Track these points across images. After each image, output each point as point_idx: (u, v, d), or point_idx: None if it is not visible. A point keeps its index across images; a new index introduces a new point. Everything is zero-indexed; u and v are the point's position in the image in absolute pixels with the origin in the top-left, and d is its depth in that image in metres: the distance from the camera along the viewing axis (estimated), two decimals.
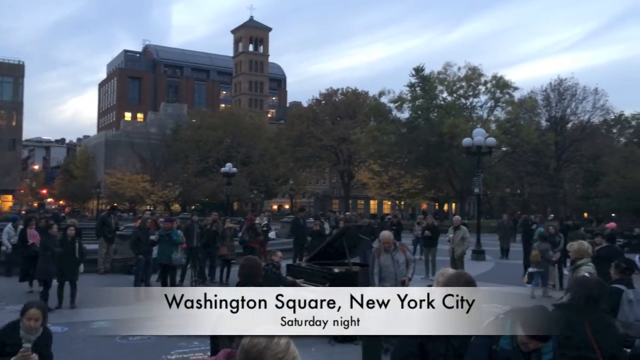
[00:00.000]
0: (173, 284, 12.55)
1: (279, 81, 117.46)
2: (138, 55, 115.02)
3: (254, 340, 1.89)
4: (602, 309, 3.82)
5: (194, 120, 66.65)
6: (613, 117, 57.02)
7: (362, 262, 12.43)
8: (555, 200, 54.69)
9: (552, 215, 31.53)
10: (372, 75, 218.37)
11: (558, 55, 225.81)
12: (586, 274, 5.88)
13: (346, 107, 59.61)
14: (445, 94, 47.77)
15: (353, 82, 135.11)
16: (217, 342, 3.70)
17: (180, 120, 69.65)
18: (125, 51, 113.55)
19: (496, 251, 22.07)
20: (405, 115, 48.70)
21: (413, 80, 47.47)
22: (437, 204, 63.79)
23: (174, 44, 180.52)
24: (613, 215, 54.22)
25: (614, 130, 61.57)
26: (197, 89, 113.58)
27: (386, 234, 8.43)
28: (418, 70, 47.23)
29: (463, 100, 47.79)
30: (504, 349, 3.24)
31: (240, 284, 3.98)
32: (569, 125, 53.27)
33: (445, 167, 45.35)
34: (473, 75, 46.04)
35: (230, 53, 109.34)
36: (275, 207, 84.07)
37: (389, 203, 63.21)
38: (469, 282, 3.16)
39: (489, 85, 46.30)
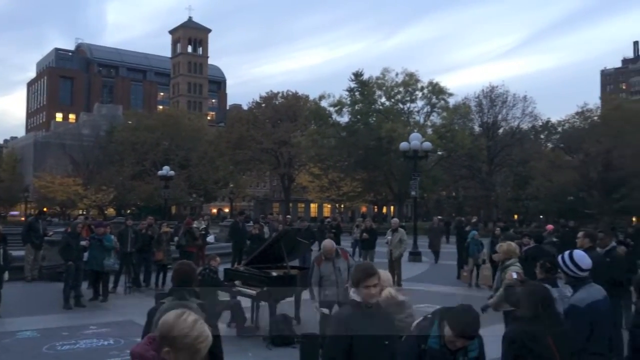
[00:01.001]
0: (105, 291, 12.15)
1: (218, 83, 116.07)
2: (70, 54, 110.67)
3: (165, 318, 2.17)
4: (555, 314, 3.92)
5: (129, 122, 64.78)
6: (541, 124, 59.89)
7: (302, 265, 12.47)
8: (488, 202, 56.81)
9: (476, 218, 32.77)
10: (313, 78, 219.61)
11: (490, 63, 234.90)
12: (514, 274, 6.15)
13: (287, 110, 59.58)
14: (383, 99, 48.67)
15: (294, 86, 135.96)
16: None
17: (115, 122, 67.51)
18: (57, 49, 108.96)
19: (429, 253, 22.58)
20: (345, 119, 49.29)
21: (352, 84, 48.07)
22: (376, 206, 64.79)
23: (109, 43, 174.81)
24: (541, 216, 56.92)
25: (542, 136, 64.67)
26: (134, 89, 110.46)
27: (328, 243, 8.11)
28: (357, 75, 47.88)
29: (401, 105, 48.84)
30: (432, 347, 3.31)
31: (173, 289, 3.89)
32: (500, 130, 55.45)
33: (383, 171, 46.15)
34: (410, 81, 47.16)
35: (168, 54, 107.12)
36: (214, 210, 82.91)
37: (329, 206, 63.67)
38: (366, 271, 3.30)
39: (425, 91, 47.58)
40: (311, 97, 58.06)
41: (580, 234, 7.14)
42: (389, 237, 14.56)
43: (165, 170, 31.51)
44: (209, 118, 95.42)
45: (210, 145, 60.65)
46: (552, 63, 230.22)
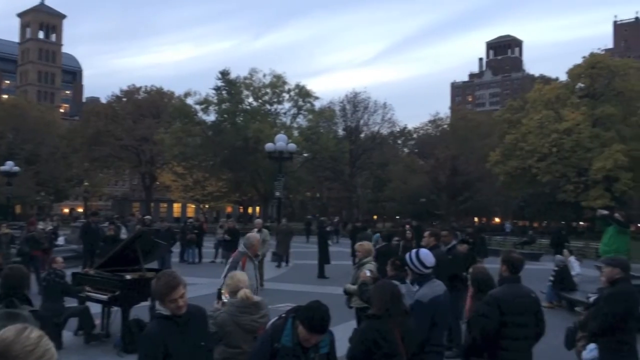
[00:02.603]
0: None
1: (73, 74, 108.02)
2: None
3: (2, 335, 1.81)
4: (404, 310, 4.07)
5: None
6: (398, 130, 63.75)
7: (161, 267, 11.98)
8: (350, 203, 59.22)
9: (338, 218, 34.21)
10: (178, 75, 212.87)
11: (354, 69, 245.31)
12: (367, 272, 6.42)
13: (149, 106, 57.04)
14: (251, 99, 48.63)
15: (159, 81, 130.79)
16: None
17: None
18: None
19: (295, 253, 22.93)
20: (211, 117, 48.43)
21: (219, 83, 47.38)
22: (241, 207, 64.46)
23: None
24: (397, 217, 60.53)
25: (399, 141, 68.89)
26: None
27: (254, 237, 7.17)
28: (224, 74, 47.30)
29: (268, 106, 49.12)
30: (285, 345, 3.35)
31: (1, 296, 3.50)
32: (362, 135, 58.11)
33: (250, 171, 46.06)
34: (278, 82, 47.63)
35: (16, 38, 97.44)
36: (66, 210, 77.15)
37: (193, 206, 62.04)
38: (168, 284, 3.18)
39: (292, 93, 48.37)
40: (176, 94, 56.36)
41: (426, 233, 7.68)
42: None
43: (9, 165, 28.64)
44: (62, 111, 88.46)
45: (62, 140, 56.23)
46: (410, 73, 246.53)
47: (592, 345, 5.44)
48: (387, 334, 3.82)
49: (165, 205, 66.10)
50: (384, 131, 59.65)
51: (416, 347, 4.05)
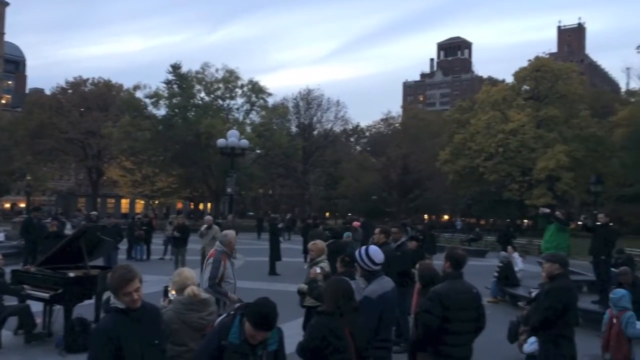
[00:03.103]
0: None
1: (16, 63, 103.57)
2: None
3: None
4: (354, 307, 4.10)
5: None
6: (351, 127, 64.29)
7: (107, 264, 11.67)
8: (302, 200, 59.29)
9: (290, 215, 34.34)
10: (127, 67, 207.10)
11: (308, 66, 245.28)
12: (317, 269, 6.43)
13: (97, 99, 55.33)
14: (203, 94, 48.02)
15: (106, 73, 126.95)
16: None
17: None
18: None
19: (246, 250, 22.82)
20: (161, 112, 47.53)
21: (170, 77, 46.59)
22: (192, 203, 63.53)
23: None
24: (350, 214, 61.03)
25: (352, 139, 69.53)
26: None
27: (231, 234, 7.06)
28: (175, 68, 46.48)
29: (220, 102, 48.62)
30: (233, 342, 3.33)
31: None
32: (315, 132, 58.28)
33: (201, 167, 45.45)
34: (230, 77, 47.19)
35: None
36: (7, 205, 74.06)
37: (143, 202, 60.64)
38: (123, 277, 3.18)
39: (245, 89, 48.03)
40: (125, 87, 54.93)
41: (376, 230, 7.77)
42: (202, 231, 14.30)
43: None
44: (3, 102, 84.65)
45: (4, 132, 53.80)
46: (363, 71, 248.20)
47: (532, 339, 5.66)
48: (336, 331, 3.84)
49: (112, 201, 64.29)
50: (337, 129, 60.07)
51: (365, 343, 4.09)
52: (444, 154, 51.22)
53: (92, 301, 8.63)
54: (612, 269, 11.10)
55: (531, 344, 5.90)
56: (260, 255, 19.75)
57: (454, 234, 40.89)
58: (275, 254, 16.81)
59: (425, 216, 66.99)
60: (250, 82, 47.87)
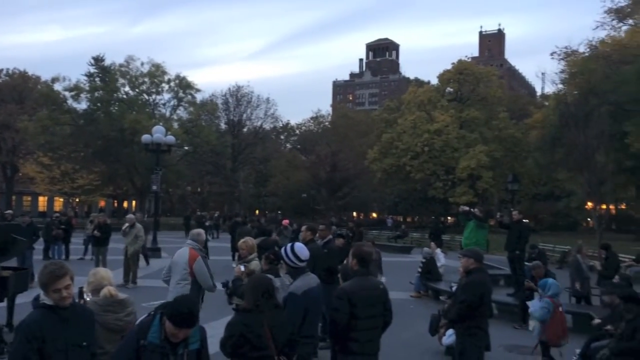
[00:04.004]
0: None
1: None
2: None
3: None
4: (275, 304, 4.11)
5: None
6: (281, 125, 64.20)
7: (21, 265, 11.07)
8: (232, 198, 58.57)
9: (218, 213, 33.96)
10: (45, 58, 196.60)
11: (238, 63, 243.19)
12: (241, 267, 6.38)
13: (11, 91, 52.11)
14: (127, 88, 46.37)
15: (22, 63, 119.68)
16: None
17: None
18: None
19: (173, 248, 22.30)
20: (83, 106, 45.47)
21: (92, 69, 44.73)
22: (116, 201, 61.32)
23: None
24: (279, 212, 61.02)
25: (282, 137, 69.46)
26: None
27: (202, 232, 7.08)
28: (98, 60, 44.67)
29: (146, 96, 47.17)
30: (152, 342, 3.26)
31: None
32: (245, 129, 57.77)
33: (125, 164, 43.93)
34: (156, 72, 45.86)
35: None
36: None
37: (62, 200, 57.74)
38: (53, 273, 3.16)
39: (172, 84, 46.84)
40: (43, 78, 52.06)
41: (303, 227, 7.82)
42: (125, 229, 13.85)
43: None
44: None
45: None
46: (294, 69, 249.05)
47: (450, 331, 5.90)
48: (255, 328, 3.85)
49: (29, 198, 60.83)
50: (267, 126, 59.83)
51: (285, 340, 4.12)
52: (372, 152, 52.28)
53: (4, 304, 8.17)
54: (527, 263, 11.73)
55: (449, 336, 6.15)
56: None
57: (382, 231, 41.79)
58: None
59: (354, 214, 68.06)
60: (178, 77, 46.76)
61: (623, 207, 49.28)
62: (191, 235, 6.93)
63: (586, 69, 26.39)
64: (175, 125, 45.17)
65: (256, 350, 3.84)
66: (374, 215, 68.89)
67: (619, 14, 30.07)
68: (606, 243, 12.90)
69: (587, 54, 28.59)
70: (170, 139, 21.86)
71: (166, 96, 47.68)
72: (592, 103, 25.57)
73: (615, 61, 26.11)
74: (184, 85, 46.79)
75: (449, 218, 57.05)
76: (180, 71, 63.95)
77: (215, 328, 6.08)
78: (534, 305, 7.30)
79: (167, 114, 47.79)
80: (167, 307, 3.28)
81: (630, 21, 29.76)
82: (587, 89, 26.03)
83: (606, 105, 24.36)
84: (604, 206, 34.20)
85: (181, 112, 48.58)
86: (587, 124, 25.15)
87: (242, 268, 5.71)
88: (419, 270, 13.90)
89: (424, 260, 14.18)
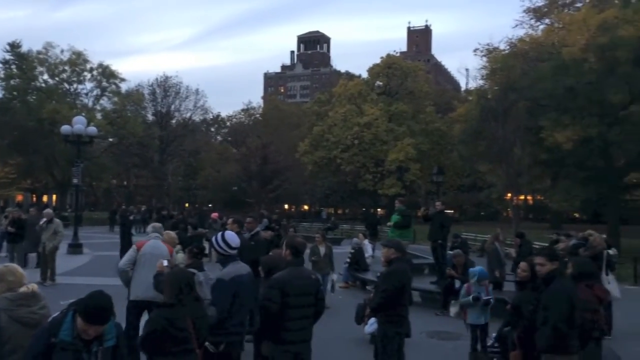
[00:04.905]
0: None
1: None
2: None
3: None
4: (197, 297, 4.08)
5: None
6: (212, 117, 63.11)
7: None
8: (160, 191, 57.02)
9: (145, 207, 32.97)
10: None
11: (165, 53, 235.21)
12: (164, 262, 6.25)
13: None
14: (46, 76, 44.17)
15: None
16: None
17: None
18: None
19: (96, 244, 21.57)
20: None
21: (8, 56, 42.38)
22: (34, 195, 58.29)
23: None
24: (210, 205, 60.15)
25: (212, 129, 68.33)
26: None
27: (160, 225, 7.03)
28: (14, 46, 42.26)
29: (66, 85, 45.09)
30: (64, 340, 3.15)
31: None
32: (174, 121, 56.33)
33: (44, 156, 41.85)
34: (78, 60, 43.89)
35: None
36: None
37: None
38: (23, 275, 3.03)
39: (95, 72, 44.97)
40: None
41: (229, 220, 7.79)
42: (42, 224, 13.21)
43: None
44: None
45: None
46: (223, 60, 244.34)
47: (372, 320, 6.05)
48: (177, 321, 3.83)
49: None
50: (197, 118, 58.56)
51: (207, 332, 4.11)
52: (303, 145, 52.52)
53: None
54: (450, 252, 12.19)
55: (371, 325, 6.31)
56: (111, 250, 18.78)
57: (313, 223, 42.10)
58: (126, 248, 15.98)
59: (286, 206, 68.18)
60: (101, 65, 44.90)
61: (539, 197, 52.25)
62: (154, 229, 6.76)
63: (506, 65, 27.59)
64: (99, 116, 43.48)
65: (178, 344, 3.81)
66: (306, 207, 69.27)
67: (537, 13, 31.66)
68: (521, 232, 13.61)
69: (507, 51, 29.91)
70: (92, 130, 20.98)
71: (88, 85, 45.80)
72: (511, 98, 26.82)
73: (532, 58, 27.44)
74: (107, 74, 45.02)
75: (379, 210, 58.35)
76: (103, 60, 61.34)
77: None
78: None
79: (90, 104, 45.88)
80: (79, 303, 3.17)
81: (547, 20, 31.40)
82: (507, 84, 27.25)
83: (523, 101, 25.62)
84: (522, 197, 36.15)
85: (105, 103, 46.78)
86: (506, 118, 26.43)
87: (165, 263, 5.58)
88: (348, 260, 14.13)
89: (352, 250, 14.43)
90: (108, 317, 3.21)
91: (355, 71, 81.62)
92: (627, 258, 17.04)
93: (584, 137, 22.89)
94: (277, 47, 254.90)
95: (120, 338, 3.44)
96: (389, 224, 12.15)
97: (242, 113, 66.13)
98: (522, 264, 5.81)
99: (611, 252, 10.22)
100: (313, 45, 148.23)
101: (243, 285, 4.77)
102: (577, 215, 48.68)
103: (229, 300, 4.59)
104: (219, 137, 68.76)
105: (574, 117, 22.81)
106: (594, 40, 22.66)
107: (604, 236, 14.87)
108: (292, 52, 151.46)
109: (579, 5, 30.32)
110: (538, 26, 31.65)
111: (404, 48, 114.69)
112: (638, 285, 15.42)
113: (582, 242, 10.28)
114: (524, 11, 31.49)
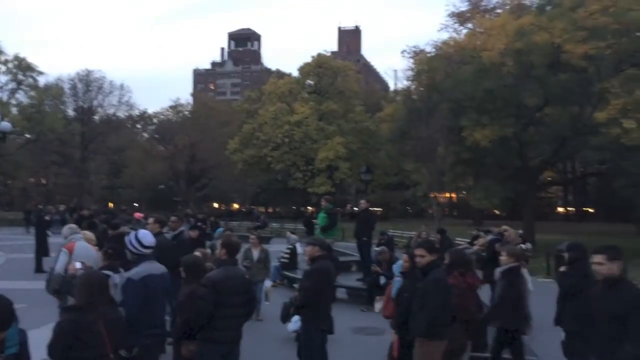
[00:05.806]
0: None
1: None
2: None
3: None
4: (109, 300, 3.98)
5: None
6: (138, 113, 60.97)
7: None
8: (82, 190, 54.56)
9: (64, 206, 31.48)
10: None
11: (88, 47, 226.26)
12: (77, 264, 5.99)
13: None
14: None
15: None
16: None
17: None
18: None
19: (10, 246, 20.45)
20: None
21: None
22: None
23: None
24: (135, 204, 58.22)
25: (138, 126, 65.96)
26: None
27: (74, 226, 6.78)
28: None
29: None
30: None
31: None
32: (96, 117, 54.08)
33: None
34: None
35: None
36: None
37: None
38: None
39: (10, 65, 42.32)
40: None
41: (150, 220, 7.57)
42: None
43: None
44: None
45: None
46: (151, 55, 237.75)
47: (296, 317, 6.07)
48: (89, 325, 3.69)
49: None
50: (121, 114, 56.29)
51: (122, 338, 3.97)
52: (233, 143, 51.96)
53: None
54: (376, 249, 12.44)
55: (295, 322, 6.32)
56: (26, 252, 17.83)
57: (242, 222, 41.70)
58: (42, 249, 15.26)
59: (215, 205, 67.13)
60: (17, 57, 42.31)
61: (462, 195, 54.36)
62: (72, 230, 6.46)
63: (431, 67, 28.40)
64: (14, 110, 41.09)
65: (90, 349, 3.66)
66: (236, 206, 68.52)
67: (460, 18, 32.78)
68: (442, 228, 14.13)
69: (432, 54, 30.80)
70: (6, 125, 19.82)
71: (3, 78, 43.01)
72: (435, 99, 27.69)
73: (455, 61, 28.41)
74: (23, 67, 42.52)
75: (309, 208, 58.64)
76: (19, 52, 57.85)
77: (46, 332, 5.65)
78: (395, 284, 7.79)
79: (4, 98, 43.18)
80: None
81: (470, 25, 32.59)
82: (431, 86, 28.09)
83: (447, 102, 26.51)
84: (446, 194, 37.44)
85: (21, 97, 44.13)
86: (430, 118, 27.26)
87: (78, 265, 5.34)
88: (286, 256, 14.07)
89: (290, 246, 14.39)
90: (9, 323, 3.06)
91: (285, 69, 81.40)
92: (540, 252, 18.01)
93: (501, 136, 24.02)
94: (207, 44, 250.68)
95: (24, 345, 3.27)
96: (316, 225, 12.28)
97: (170, 110, 64.33)
98: (404, 256, 6.34)
99: (524, 246, 10.77)
100: (244, 43, 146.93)
101: (155, 284, 4.65)
102: (497, 212, 51.02)
103: (138, 300, 4.46)
104: (145, 134, 66.51)
105: (492, 117, 23.86)
106: (512, 45, 23.77)
107: (520, 231, 15.72)
108: (223, 48, 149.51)
109: (499, 11, 31.68)
110: (461, 30, 32.78)
111: (335, 48, 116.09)
112: (550, 278, 16.38)
113: (498, 237, 10.80)
114: (449, 15, 32.52)
